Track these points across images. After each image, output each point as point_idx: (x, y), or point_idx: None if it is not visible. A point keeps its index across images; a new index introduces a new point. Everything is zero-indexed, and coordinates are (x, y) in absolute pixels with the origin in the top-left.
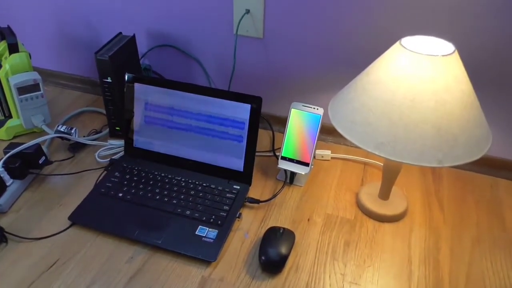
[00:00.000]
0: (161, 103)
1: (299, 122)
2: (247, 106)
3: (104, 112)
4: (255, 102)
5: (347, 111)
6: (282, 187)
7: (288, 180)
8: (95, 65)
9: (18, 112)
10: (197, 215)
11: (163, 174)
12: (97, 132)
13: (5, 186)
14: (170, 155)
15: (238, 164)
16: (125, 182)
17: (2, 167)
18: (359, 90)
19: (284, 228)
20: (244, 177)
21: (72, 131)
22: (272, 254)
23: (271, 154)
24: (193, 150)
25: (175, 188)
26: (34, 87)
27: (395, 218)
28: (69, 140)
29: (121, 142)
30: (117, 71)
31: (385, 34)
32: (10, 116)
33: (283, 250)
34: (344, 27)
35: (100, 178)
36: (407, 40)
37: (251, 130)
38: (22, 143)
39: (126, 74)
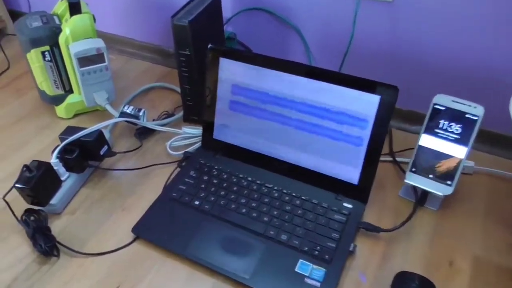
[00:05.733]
0: (253, 86)
1: None
2: (375, 98)
3: (178, 90)
4: (387, 92)
5: None
6: (413, 212)
7: (418, 201)
8: (169, 31)
9: (80, 87)
10: (296, 242)
11: (250, 179)
12: (168, 115)
13: (60, 182)
14: (260, 153)
15: (351, 174)
16: (203, 186)
17: (57, 158)
18: None
19: (419, 276)
20: (359, 192)
21: (140, 114)
22: None
23: (390, 159)
24: (292, 151)
25: (265, 200)
26: (97, 58)
27: None
28: (136, 124)
29: (198, 131)
30: (198, 40)
31: None
32: (71, 91)
33: None
34: None
35: (172, 177)
36: None
37: (376, 131)
38: (81, 128)
39: (210, 45)
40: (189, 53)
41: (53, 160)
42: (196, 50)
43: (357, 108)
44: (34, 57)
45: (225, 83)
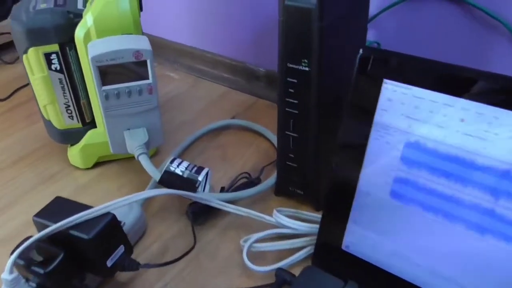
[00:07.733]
0: (466, 154)
1: None
2: None
3: (271, 136)
4: None
5: None
6: None
7: None
8: (260, 39)
9: (102, 118)
10: None
11: None
12: (250, 182)
13: None
14: None
15: None
16: None
17: (18, 267)
18: None
19: None
20: None
21: (200, 178)
22: None
23: None
24: None
25: None
26: (135, 69)
27: None
28: (189, 199)
29: (306, 226)
30: (331, 45)
31: None
32: (93, 124)
33: None
34: None
35: None
36: None
37: None
38: (79, 205)
39: (362, 51)
40: (307, 69)
41: (5, 275)
42: (325, 64)
43: None
44: (33, 62)
45: (388, 137)
